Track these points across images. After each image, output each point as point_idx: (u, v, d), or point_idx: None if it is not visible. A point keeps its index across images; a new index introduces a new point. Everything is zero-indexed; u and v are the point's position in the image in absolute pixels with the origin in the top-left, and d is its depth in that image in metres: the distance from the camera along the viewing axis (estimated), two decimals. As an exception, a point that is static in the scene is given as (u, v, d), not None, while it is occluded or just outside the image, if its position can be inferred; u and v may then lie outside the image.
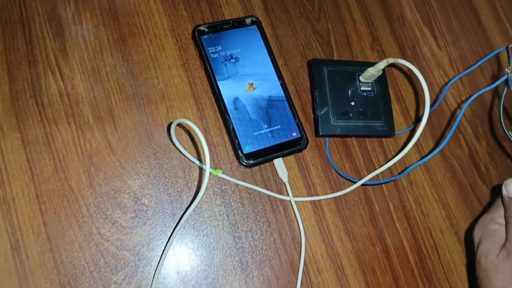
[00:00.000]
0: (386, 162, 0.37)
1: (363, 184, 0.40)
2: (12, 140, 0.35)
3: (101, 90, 0.38)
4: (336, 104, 0.39)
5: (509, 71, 0.35)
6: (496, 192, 0.46)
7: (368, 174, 0.38)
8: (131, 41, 0.40)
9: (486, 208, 0.43)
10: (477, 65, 0.44)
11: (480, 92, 0.37)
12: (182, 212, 0.37)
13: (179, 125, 0.39)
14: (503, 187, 0.37)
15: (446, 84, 0.48)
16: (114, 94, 0.38)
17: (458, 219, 0.43)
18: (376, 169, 0.42)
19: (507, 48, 0.35)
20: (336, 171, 0.41)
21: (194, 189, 0.38)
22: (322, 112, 0.39)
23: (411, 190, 0.43)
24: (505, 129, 0.37)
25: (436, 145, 0.45)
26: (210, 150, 0.39)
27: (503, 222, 0.37)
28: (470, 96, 0.48)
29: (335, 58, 0.44)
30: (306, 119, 0.42)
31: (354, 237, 0.40)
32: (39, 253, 0.33)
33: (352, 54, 0.45)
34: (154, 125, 0.38)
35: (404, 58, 0.47)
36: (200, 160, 0.38)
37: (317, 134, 0.39)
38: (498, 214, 0.38)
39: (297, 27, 0.45)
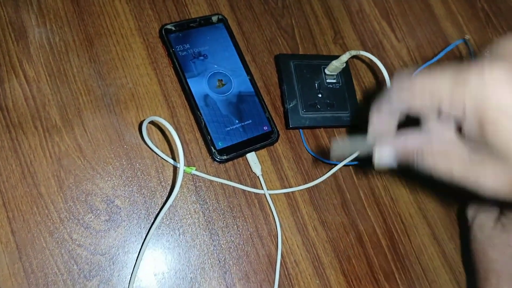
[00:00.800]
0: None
1: (334, 175, 0.40)
2: (-26, 147, 0.33)
3: (68, 92, 0.37)
4: (304, 97, 0.39)
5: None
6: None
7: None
8: (98, 41, 0.39)
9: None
10: (438, 56, 0.45)
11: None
12: (157, 212, 0.36)
13: (151, 124, 0.38)
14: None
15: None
16: (82, 95, 0.37)
17: (425, 203, 0.44)
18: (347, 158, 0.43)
19: (465, 41, 0.36)
20: (317, 158, 0.41)
21: (168, 188, 0.37)
22: (291, 105, 0.39)
23: (379, 177, 0.44)
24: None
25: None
26: (183, 147, 0.38)
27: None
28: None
29: (300, 53, 0.45)
30: (276, 113, 0.42)
31: (329, 226, 0.40)
32: (8, 263, 0.31)
33: (316, 48, 0.46)
34: (124, 125, 0.37)
35: (365, 50, 0.47)
36: (173, 158, 0.37)
37: (287, 126, 0.39)
38: None
39: (263, 24, 0.45)
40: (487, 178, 0.23)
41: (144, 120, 0.33)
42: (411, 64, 0.50)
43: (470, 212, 0.39)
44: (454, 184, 0.25)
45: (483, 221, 0.37)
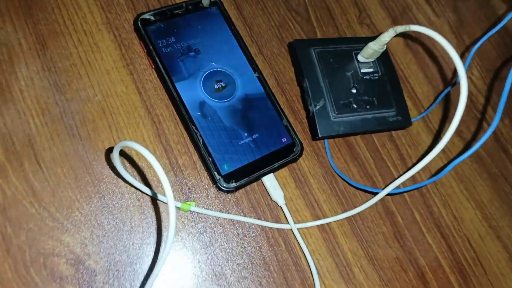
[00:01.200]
0: (403, 160, 0.27)
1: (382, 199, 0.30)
2: None
3: (14, 113, 0.27)
4: (335, 95, 0.29)
5: None
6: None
7: (383, 178, 0.28)
8: (53, 43, 0.29)
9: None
10: (489, 34, 0.35)
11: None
12: (145, 273, 0.26)
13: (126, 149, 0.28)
14: None
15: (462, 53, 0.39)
16: (33, 117, 0.27)
17: (496, 219, 0.34)
18: (392, 170, 0.32)
19: None
20: (345, 181, 0.31)
21: (161, 236, 0.27)
22: (318, 107, 0.29)
23: (436, 190, 0.33)
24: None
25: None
26: (176, 175, 0.28)
27: None
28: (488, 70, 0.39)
29: (319, 37, 0.35)
30: (296, 118, 0.32)
31: (380, 264, 0.30)
32: None
33: (338, 31, 0.35)
34: (93, 152, 0.27)
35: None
36: (163, 194, 0.27)
37: (314, 136, 0.29)
38: None
39: (268, 5, 0.35)
40: None
41: (113, 147, 0.23)
42: (456, 43, 0.39)
43: None
44: None
45: None
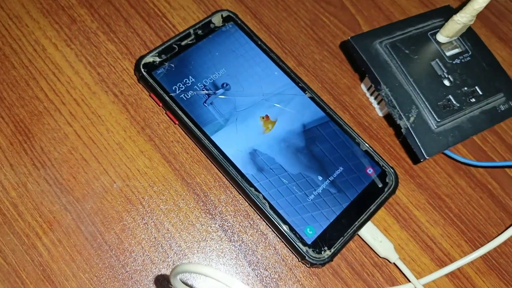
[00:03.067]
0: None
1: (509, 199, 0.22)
2: None
3: (13, 240, 0.19)
4: (427, 96, 0.21)
5: None
6: None
7: (499, 184, 0.21)
8: (37, 127, 0.21)
9: None
10: None
11: None
12: None
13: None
14: None
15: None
16: (40, 238, 0.19)
17: None
18: (506, 171, 0.24)
19: None
20: (478, 166, 0.23)
21: None
22: (411, 119, 0.20)
23: None
24: None
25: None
26: (250, 264, 0.20)
27: None
28: None
29: (363, 28, 0.26)
30: (373, 137, 0.24)
31: (535, 299, 0.22)
32: None
33: (383, 13, 0.27)
34: (134, 266, 0.19)
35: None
36: None
37: (418, 159, 0.21)
38: None
39: (290, 3, 0.27)
40: None
41: (172, 271, 0.15)
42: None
43: None
44: None
45: None
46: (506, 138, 0.25)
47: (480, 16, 0.28)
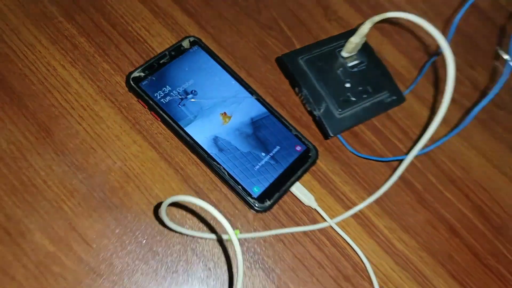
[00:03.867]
0: (405, 133, 0.30)
1: (390, 166, 0.32)
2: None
3: (45, 204, 0.27)
4: (333, 94, 0.31)
5: None
6: None
7: (393, 154, 0.31)
8: (55, 126, 0.29)
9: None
10: (462, 11, 0.37)
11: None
12: (218, 306, 0.27)
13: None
14: None
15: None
16: (65, 202, 0.27)
17: (498, 158, 0.37)
18: (398, 144, 0.35)
19: None
20: (370, 159, 0.33)
21: (219, 268, 0.28)
22: (321, 110, 0.30)
23: (440, 150, 0.36)
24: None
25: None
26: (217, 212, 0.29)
27: None
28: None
29: (297, 46, 0.36)
30: (301, 125, 0.33)
31: (414, 230, 0.32)
32: None
33: (312, 35, 0.37)
34: (133, 216, 0.28)
35: (365, 18, 0.40)
36: (212, 231, 0.28)
37: (327, 137, 0.31)
38: None
39: (241, 29, 0.36)
40: None
41: (160, 205, 0.24)
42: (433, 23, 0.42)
43: None
44: None
45: None
46: (400, 123, 0.36)
47: (379, 28, 0.39)
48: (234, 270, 0.28)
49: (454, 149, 0.36)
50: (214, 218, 0.26)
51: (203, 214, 0.29)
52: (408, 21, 0.26)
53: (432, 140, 0.32)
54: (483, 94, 0.40)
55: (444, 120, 0.36)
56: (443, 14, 0.43)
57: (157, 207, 0.28)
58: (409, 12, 0.27)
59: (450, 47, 0.24)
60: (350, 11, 0.39)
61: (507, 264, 0.33)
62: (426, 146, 0.30)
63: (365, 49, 0.33)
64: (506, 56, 0.30)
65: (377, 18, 0.27)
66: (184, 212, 0.29)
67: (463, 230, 0.33)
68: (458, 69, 0.40)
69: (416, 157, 0.34)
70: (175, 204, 0.29)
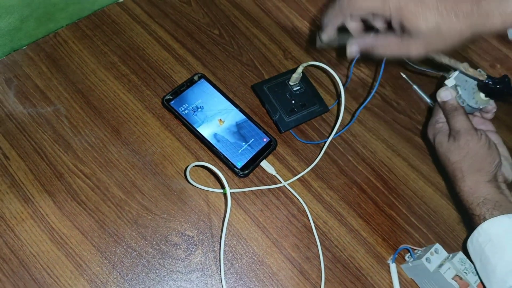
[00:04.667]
0: (329, 127, 0.51)
1: (325, 151, 0.53)
2: (75, 237, 0.44)
3: (118, 172, 0.48)
4: (283, 107, 0.52)
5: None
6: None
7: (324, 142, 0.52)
8: (122, 129, 0.51)
9: (409, 128, 0.59)
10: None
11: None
12: (219, 228, 0.48)
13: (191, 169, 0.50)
14: (437, 95, 0.50)
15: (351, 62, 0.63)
16: (129, 171, 0.48)
17: (394, 145, 0.58)
18: (326, 135, 0.56)
19: None
20: (309, 143, 0.54)
21: (218, 210, 0.49)
22: (276, 116, 0.52)
23: (356, 141, 0.57)
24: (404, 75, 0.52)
25: (363, 103, 0.60)
26: (218, 175, 0.50)
27: (444, 120, 0.51)
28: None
29: (265, 77, 0.58)
30: (268, 126, 0.55)
31: (337, 188, 0.53)
32: (134, 304, 0.43)
33: (275, 69, 0.59)
34: (168, 179, 0.49)
35: (310, 55, 0.61)
36: (214, 187, 0.49)
37: (280, 132, 0.53)
38: (438, 116, 0.52)
39: (230, 66, 0.58)
40: (413, 50, 0.41)
41: (187, 167, 0.45)
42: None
43: (430, 134, 0.53)
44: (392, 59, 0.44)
45: (440, 139, 0.50)
46: (329, 121, 0.57)
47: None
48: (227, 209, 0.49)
49: (365, 139, 0.58)
50: (215, 181, 0.47)
51: (208, 179, 0.50)
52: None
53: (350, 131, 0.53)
54: (390, 105, 0.62)
55: (359, 121, 0.58)
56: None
57: (183, 173, 0.49)
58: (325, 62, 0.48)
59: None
60: (301, 52, 0.61)
61: (398, 211, 0.54)
62: (338, 131, 0.52)
63: (305, 79, 0.54)
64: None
65: (305, 64, 0.48)
66: (199, 177, 0.50)
67: (369, 190, 0.54)
68: (371, 87, 0.62)
69: (339, 143, 0.56)
70: (195, 172, 0.50)
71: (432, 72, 0.52)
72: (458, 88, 0.49)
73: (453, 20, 0.37)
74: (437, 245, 0.49)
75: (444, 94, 0.49)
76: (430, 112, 0.58)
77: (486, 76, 0.46)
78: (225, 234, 0.47)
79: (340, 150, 0.56)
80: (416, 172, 0.58)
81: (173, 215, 0.47)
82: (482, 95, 0.49)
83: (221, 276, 0.45)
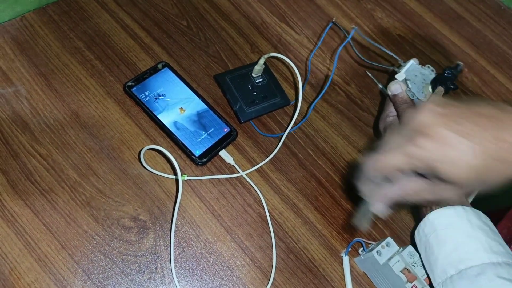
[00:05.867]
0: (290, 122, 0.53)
1: (285, 144, 0.56)
2: (26, 215, 0.45)
3: (75, 155, 0.50)
4: (244, 98, 0.55)
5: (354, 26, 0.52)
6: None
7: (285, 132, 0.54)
8: (81, 112, 0.52)
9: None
10: (321, 39, 0.62)
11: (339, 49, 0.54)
12: (171, 215, 0.49)
13: (146, 155, 0.52)
14: (387, 89, 0.52)
15: (308, 57, 0.66)
16: (86, 154, 0.50)
17: (356, 142, 0.61)
18: (285, 126, 0.58)
19: (333, 23, 0.52)
20: (269, 136, 0.56)
21: (173, 195, 0.51)
22: (237, 107, 0.54)
23: (318, 135, 0.60)
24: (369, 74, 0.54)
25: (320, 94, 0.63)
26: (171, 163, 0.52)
27: (395, 113, 0.53)
28: (332, 58, 0.66)
29: (230, 68, 0.60)
30: (229, 116, 0.57)
31: (295, 181, 0.55)
32: (82, 285, 0.44)
33: (241, 61, 0.61)
34: (124, 163, 0.51)
35: (277, 50, 0.64)
36: (168, 173, 0.51)
37: (240, 122, 0.55)
38: (389, 110, 0.54)
39: (195, 57, 0.60)
40: (448, 194, 0.36)
41: (141, 150, 0.47)
42: (312, 48, 0.66)
43: (381, 128, 0.56)
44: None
45: (390, 134, 0.52)
46: (289, 113, 0.59)
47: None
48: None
49: (327, 135, 0.60)
50: (173, 167, 0.49)
51: (165, 165, 0.52)
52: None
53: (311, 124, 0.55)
54: (355, 103, 0.64)
55: (322, 117, 0.60)
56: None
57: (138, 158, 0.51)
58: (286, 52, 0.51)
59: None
60: (268, 47, 0.64)
61: (355, 206, 0.56)
62: (295, 124, 0.54)
63: (267, 72, 0.57)
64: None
65: (266, 55, 0.51)
66: (156, 163, 0.52)
67: (327, 183, 0.57)
68: (336, 84, 0.65)
69: (300, 137, 0.58)
70: (152, 158, 0.52)
71: (383, 67, 0.54)
72: (408, 82, 0.52)
73: (496, 164, 0.32)
74: (389, 239, 0.51)
75: (394, 88, 0.52)
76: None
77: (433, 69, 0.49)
78: (176, 220, 0.49)
79: (300, 144, 0.58)
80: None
81: (127, 199, 0.49)
82: (431, 88, 0.52)
83: (170, 261, 0.47)
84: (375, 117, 0.64)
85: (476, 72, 0.73)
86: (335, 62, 0.52)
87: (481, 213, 0.48)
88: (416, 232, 0.49)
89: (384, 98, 0.58)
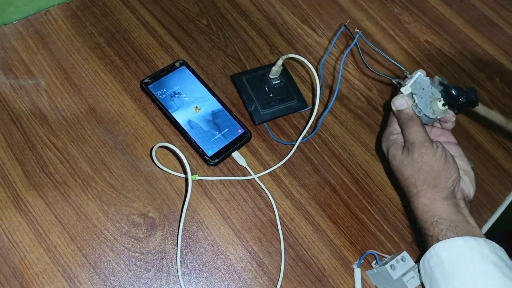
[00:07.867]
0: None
1: (300, 148, 0.56)
2: (39, 206, 0.48)
3: (90, 149, 0.52)
4: (260, 99, 0.56)
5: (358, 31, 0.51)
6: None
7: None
8: (98, 107, 0.55)
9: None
10: (334, 41, 0.63)
11: (346, 53, 0.55)
12: (180, 214, 0.51)
13: (158, 153, 0.53)
14: (392, 104, 0.50)
15: (321, 61, 0.66)
16: (100, 149, 0.52)
17: (374, 149, 0.61)
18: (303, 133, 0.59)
19: (345, 26, 0.52)
20: (280, 143, 0.57)
21: (183, 194, 0.52)
22: (252, 108, 0.56)
23: (335, 141, 0.60)
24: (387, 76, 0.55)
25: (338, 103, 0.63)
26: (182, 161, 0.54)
27: (399, 131, 0.50)
28: (341, 61, 0.67)
29: (248, 69, 0.61)
30: (244, 118, 0.58)
31: (308, 187, 0.56)
32: (88, 279, 0.46)
33: (259, 62, 0.63)
34: (137, 160, 0.53)
35: (297, 52, 0.65)
36: (179, 172, 0.53)
37: (254, 123, 0.56)
38: (393, 126, 0.51)
39: (213, 56, 0.62)
40: None
41: (153, 147, 0.49)
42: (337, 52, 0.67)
43: (384, 146, 0.53)
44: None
45: (394, 152, 0.50)
46: (305, 117, 0.60)
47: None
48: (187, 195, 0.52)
49: (344, 140, 0.60)
50: (184, 166, 0.51)
51: (177, 164, 0.53)
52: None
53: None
54: (375, 109, 0.64)
55: (340, 122, 0.61)
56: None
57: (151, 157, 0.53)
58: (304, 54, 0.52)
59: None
60: (287, 48, 0.65)
61: (370, 216, 0.57)
62: (308, 133, 0.55)
63: (285, 73, 0.58)
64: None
65: (284, 57, 0.52)
66: (168, 161, 0.53)
67: (342, 191, 0.57)
68: (357, 89, 0.65)
69: (316, 142, 0.59)
70: (165, 156, 0.53)
71: (387, 77, 0.52)
72: (414, 96, 0.48)
73: None
74: (404, 253, 0.51)
75: (399, 103, 0.48)
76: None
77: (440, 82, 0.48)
78: (185, 219, 0.50)
79: (316, 149, 0.59)
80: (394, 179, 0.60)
81: (138, 195, 0.51)
82: (439, 104, 0.48)
83: (177, 261, 0.48)
84: (377, 134, 0.63)
85: (508, 82, 0.72)
86: (340, 69, 0.53)
87: (495, 244, 0.44)
88: (420, 263, 0.46)
89: (387, 112, 0.56)
